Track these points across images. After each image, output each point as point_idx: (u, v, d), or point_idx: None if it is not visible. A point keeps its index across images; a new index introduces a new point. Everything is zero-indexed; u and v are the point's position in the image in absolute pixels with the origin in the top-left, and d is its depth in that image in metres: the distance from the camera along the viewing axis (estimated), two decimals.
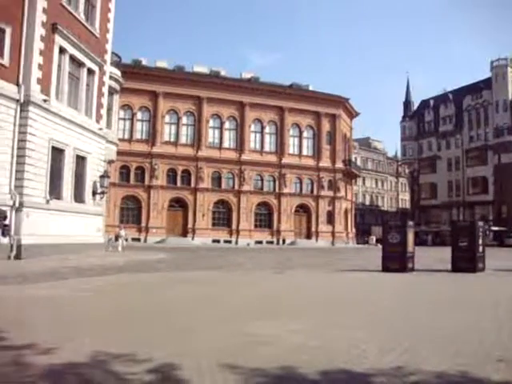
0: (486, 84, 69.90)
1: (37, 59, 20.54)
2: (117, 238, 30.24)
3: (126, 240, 34.19)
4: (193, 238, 48.40)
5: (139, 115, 49.54)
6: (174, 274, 15.15)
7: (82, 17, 24.20)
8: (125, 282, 12.86)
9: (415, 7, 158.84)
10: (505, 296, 10.46)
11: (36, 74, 20.51)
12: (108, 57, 27.49)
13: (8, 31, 19.43)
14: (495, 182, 67.39)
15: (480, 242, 16.88)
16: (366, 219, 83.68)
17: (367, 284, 13.29)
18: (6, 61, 19.33)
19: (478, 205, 69.23)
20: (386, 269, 16.14)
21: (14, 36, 19.67)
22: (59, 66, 22.38)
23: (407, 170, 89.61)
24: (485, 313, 8.03)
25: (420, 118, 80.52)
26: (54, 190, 21.90)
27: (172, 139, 50.49)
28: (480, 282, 13.89)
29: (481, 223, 18.18)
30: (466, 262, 16.34)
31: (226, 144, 52.33)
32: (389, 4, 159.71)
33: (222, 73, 54.45)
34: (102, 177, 26.33)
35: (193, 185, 49.80)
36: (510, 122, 66.00)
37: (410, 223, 17.68)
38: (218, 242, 49.17)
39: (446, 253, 17.39)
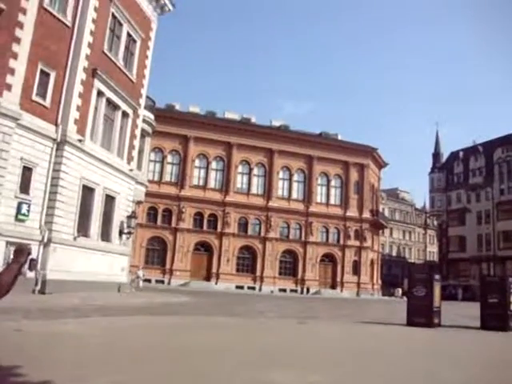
0: None
1: (75, 101, 21.44)
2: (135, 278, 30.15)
3: (146, 281, 34.28)
4: (216, 283, 48.15)
5: (169, 158, 50.47)
6: (195, 319, 15.07)
7: (120, 63, 25.28)
8: (145, 323, 12.84)
9: (445, 60, 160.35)
10: None
11: (74, 115, 21.34)
12: (142, 101, 28.45)
13: (52, 75, 20.41)
14: None
15: (511, 299, 16.36)
16: (393, 271, 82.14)
17: (390, 338, 12.96)
18: (47, 102, 20.21)
19: (510, 260, 67.38)
20: (410, 323, 15.72)
21: (57, 79, 20.65)
22: (96, 108, 23.28)
23: (435, 222, 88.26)
24: None
25: (449, 170, 79.87)
26: (82, 228, 22.33)
27: (201, 183, 51.07)
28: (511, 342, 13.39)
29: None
30: (496, 319, 15.78)
31: (253, 190, 52.67)
32: (419, 55, 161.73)
33: (253, 120, 55.39)
34: (129, 217, 26.73)
35: (219, 229, 49.92)
36: None
37: (437, 277, 17.30)
38: (242, 288, 48.78)
39: (475, 309, 16.84)
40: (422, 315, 15.76)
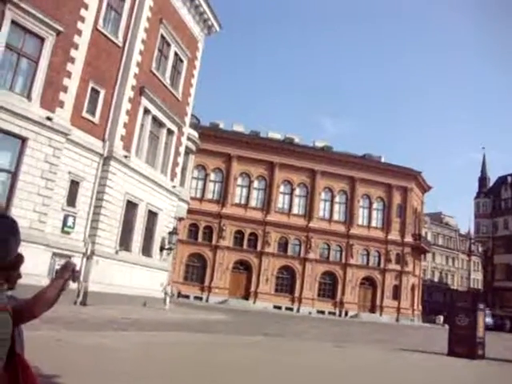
0: None
1: (123, 118, 22.05)
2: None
3: (184, 297, 33.65)
4: (254, 302, 48.02)
5: (212, 176, 51.02)
6: (229, 337, 15.07)
7: (167, 82, 25.90)
8: (178, 340, 12.90)
9: (492, 84, 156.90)
10: None
11: (120, 131, 21.95)
12: (187, 119, 29.00)
13: (102, 93, 21.13)
14: None
15: None
16: (434, 297, 79.89)
17: (428, 368, 12.55)
18: (96, 119, 20.90)
19: None
20: (451, 353, 15.24)
21: (106, 97, 21.36)
22: (142, 125, 23.88)
23: (480, 249, 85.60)
24: None
25: (496, 195, 77.54)
26: (124, 242, 22.77)
27: (242, 201, 51.33)
28: None
29: None
30: None
31: (295, 210, 52.54)
32: (466, 79, 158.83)
33: (296, 140, 55.43)
34: (170, 233, 27.08)
35: (259, 248, 49.90)
36: None
37: (481, 306, 16.76)
38: (280, 308, 48.44)
39: None
40: (464, 345, 15.26)
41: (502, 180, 78.65)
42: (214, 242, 48.92)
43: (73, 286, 18.86)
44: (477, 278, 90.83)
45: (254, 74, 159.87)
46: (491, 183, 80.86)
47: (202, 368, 8.30)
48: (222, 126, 53.67)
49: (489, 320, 46.61)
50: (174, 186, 27.41)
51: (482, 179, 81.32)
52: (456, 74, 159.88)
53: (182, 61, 27.56)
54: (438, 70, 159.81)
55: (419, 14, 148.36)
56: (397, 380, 9.52)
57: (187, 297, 44.92)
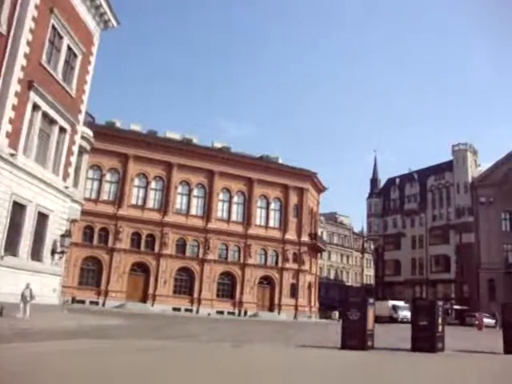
0: (448, 166, 73.03)
1: (8, 113, 20.53)
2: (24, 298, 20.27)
3: (79, 302, 32.43)
4: (153, 305, 47.07)
5: (108, 176, 49.32)
6: (123, 342, 14.57)
7: (59, 77, 24.53)
8: (70, 348, 12.21)
9: (384, 90, 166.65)
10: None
11: (6, 127, 20.43)
12: (81, 117, 27.69)
13: None
14: (457, 260, 69.00)
15: (440, 321, 16.84)
16: (330, 294, 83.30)
17: (324, 362, 12.95)
18: None
19: (441, 283, 70.53)
20: (344, 346, 15.86)
21: None
22: (30, 121, 22.37)
23: (372, 246, 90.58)
24: None
25: (386, 196, 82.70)
26: (10, 246, 21.24)
27: (139, 203, 50.15)
28: (435, 363, 13.69)
29: (441, 302, 18.19)
30: (426, 341, 16.20)
31: (193, 211, 52.24)
32: (358, 88, 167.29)
33: (194, 140, 55.18)
34: (63, 236, 25.72)
35: (157, 250, 49.01)
36: (470, 203, 68.29)
37: (371, 300, 17.56)
38: (179, 310, 47.87)
39: (409, 331, 17.23)
40: (355, 338, 15.92)
41: (391, 181, 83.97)
42: (110, 244, 47.32)
43: None
44: (369, 274, 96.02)
45: (152, 73, 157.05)
46: (382, 184, 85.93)
47: (90, 378, 7.87)
48: (118, 124, 52.05)
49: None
50: (66, 187, 26.05)
51: (374, 180, 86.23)
52: (349, 77, 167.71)
53: (75, 55, 26.20)
54: (334, 71, 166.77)
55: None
56: (293, 369, 9.68)
57: (82, 302, 43.01)
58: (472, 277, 65.28)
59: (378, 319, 52.00)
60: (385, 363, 13.37)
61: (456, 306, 60.00)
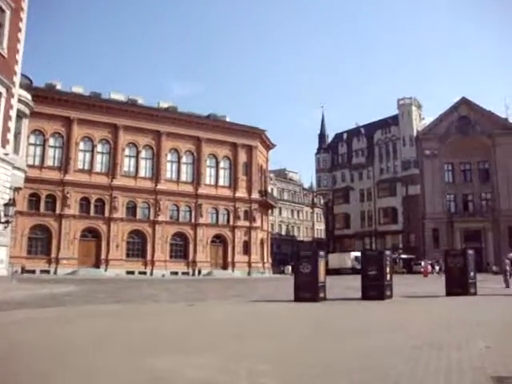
0: (394, 120, 74.68)
1: None
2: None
3: (29, 272, 31.95)
4: (106, 270, 46.77)
5: (51, 141, 47.76)
6: (78, 309, 14.41)
7: None
8: (20, 318, 11.98)
9: (332, 48, 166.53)
10: (404, 321, 10.82)
11: None
12: (17, 79, 26.36)
13: None
14: (404, 212, 71.48)
15: (388, 270, 17.45)
16: (283, 249, 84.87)
17: (277, 315, 13.24)
18: None
19: (389, 234, 73.10)
20: (297, 299, 16.25)
21: None
22: None
23: (322, 201, 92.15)
24: (388, 338, 8.21)
25: (334, 151, 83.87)
26: None
27: (86, 167, 49.05)
28: (384, 309, 14.28)
29: (388, 252, 18.82)
30: (375, 290, 16.79)
31: (141, 173, 51.60)
32: (307, 42, 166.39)
33: (140, 101, 53.93)
34: (6, 205, 24.79)
35: (107, 214, 48.37)
36: (416, 156, 70.31)
37: (321, 253, 17.93)
38: (133, 273, 47.77)
39: (359, 281, 17.81)
40: (308, 291, 16.32)
41: (338, 136, 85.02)
42: (58, 211, 46.36)
43: None
44: (320, 228, 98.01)
45: (92, 31, 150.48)
46: (330, 140, 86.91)
47: (51, 348, 7.77)
48: (59, 87, 50.19)
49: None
50: (6, 154, 24.99)
51: (322, 136, 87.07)
52: (296, 32, 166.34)
53: (3, 11, 24.58)
54: (281, 27, 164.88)
55: None
56: (249, 323, 9.88)
57: (33, 271, 42.13)
58: (418, 227, 68.19)
59: (341, 271, 54.48)
60: (336, 311, 13.85)
61: (403, 256, 62.78)
